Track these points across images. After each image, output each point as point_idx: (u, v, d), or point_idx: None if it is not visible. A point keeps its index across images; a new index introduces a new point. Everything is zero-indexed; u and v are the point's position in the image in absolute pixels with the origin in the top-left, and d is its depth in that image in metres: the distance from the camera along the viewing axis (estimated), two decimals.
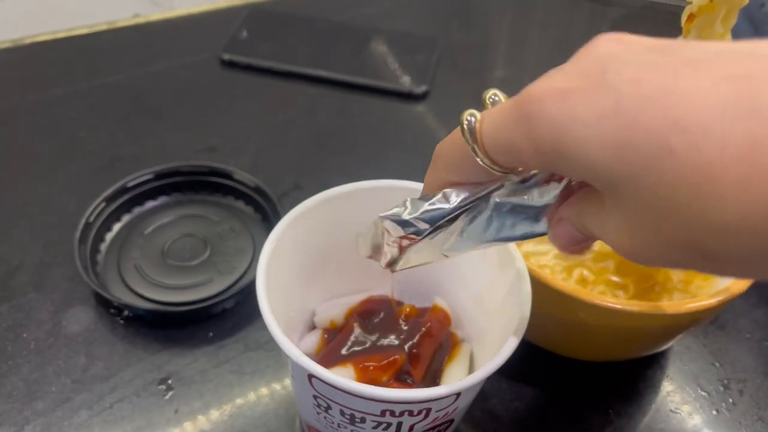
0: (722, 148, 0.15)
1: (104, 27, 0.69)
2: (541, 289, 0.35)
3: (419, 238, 0.26)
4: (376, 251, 0.28)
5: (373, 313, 0.37)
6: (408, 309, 0.37)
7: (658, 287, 0.40)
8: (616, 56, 0.18)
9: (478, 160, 0.22)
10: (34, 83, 0.62)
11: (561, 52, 0.85)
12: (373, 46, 0.69)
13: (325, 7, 0.76)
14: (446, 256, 0.27)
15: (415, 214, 0.25)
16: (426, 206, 0.25)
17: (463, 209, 0.25)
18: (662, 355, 0.44)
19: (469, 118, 0.22)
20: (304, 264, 0.36)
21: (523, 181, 0.23)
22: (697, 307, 0.34)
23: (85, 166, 0.54)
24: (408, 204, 0.25)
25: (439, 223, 0.25)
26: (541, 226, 0.24)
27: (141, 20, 0.70)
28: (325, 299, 0.39)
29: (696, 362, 0.43)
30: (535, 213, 0.24)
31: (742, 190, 0.15)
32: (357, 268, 0.38)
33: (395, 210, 0.25)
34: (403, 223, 0.25)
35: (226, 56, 0.65)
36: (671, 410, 0.41)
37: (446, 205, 0.25)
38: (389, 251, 0.27)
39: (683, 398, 0.41)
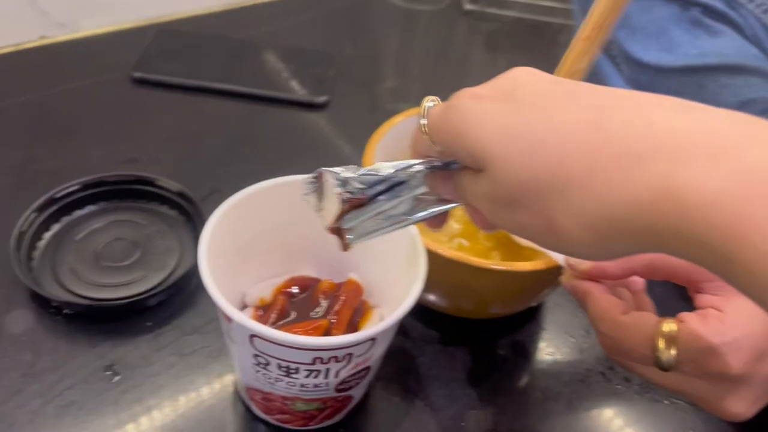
0: (578, 148, 0.22)
1: (11, 49, 0.71)
2: (435, 258, 0.43)
3: (354, 198, 0.30)
4: (319, 205, 0.32)
5: (299, 290, 0.44)
6: (327, 284, 0.44)
7: (524, 252, 0.49)
8: (524, 82, 0.25)
9: (423, 134, 0.29)
10: None
11: (443, 62, 0.95)
12: (275, 61, 0.75)
13: (226, 26, 0.81)
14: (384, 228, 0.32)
15: (352, 175, 0.30)
16: (362, 170, 0.30)
17: (391, 182, 0.30)
18: (537, 310, 0.53)
19: (429, 103, 0.29)
20: (235, 251, 0.42)
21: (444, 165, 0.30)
22: (546, 265, 0.42)
23: (7, 181, 0.57)
24: (350, 167, 0.30)
25: (373, 188, 0.30)
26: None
27: (47, 42, 0.73)
28: (254, 282, 0.45)
29: (564, 314, 0.53)
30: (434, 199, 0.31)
31: (583, 181, 0.22)
32: (281, 253, 0.45)
33: (337, 168, 0.30)
34: (342, 181, 0.30)
35: (137, 74, 0.69)
36: (547, 354, 0.50)
37: (379, 173, 0.30)
38: (330, 207, 0.31)
39: (554, 344, 0.51)
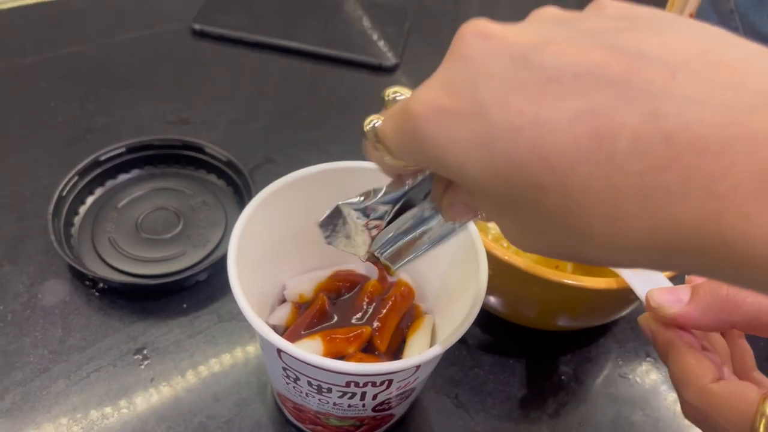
0: (585, 189, 0.16)
1: None
2: (499, 265, 0.37)
3: (384, 223, 0.27)
4: (348, 243, 0.29)
5: (342, 289, 0.39)
6: (374, 284, 0.39)
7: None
8: (482, 66, 0.18)
9: (386, 159, 0.23)
10: (1, 52, 0.62)
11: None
12: (344, 17, 0.69)
13: None
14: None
15: (374, 200, 0.26)
16: (383, 191, 0.26)
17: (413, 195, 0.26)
18: (614, 324, 0.46)
19: (372, 124, 0.22)
20: (275, 241, 0.37)
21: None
22: (622, 285, 0.36)
23: (56, 137, 0.54)
24: (369, 193, 0.27)
25: (397, 205, 0.26)
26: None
27: None
28: (295, 274, 0.40)
29: None
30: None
31: (606, 226, 0.16)
32: (324, 244, 0.40)
33: (354, 199, 0.27)
34: (364, 210, 0.27)
35: (197, 26, 0.65)
36: (620, 375, 0.44)
37: (401, 189, 0.26)
38: (361, 239, 0.28)
39: (632, 364, 0.44)
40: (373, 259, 0.29)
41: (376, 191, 0.27)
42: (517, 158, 0.17)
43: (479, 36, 0.19)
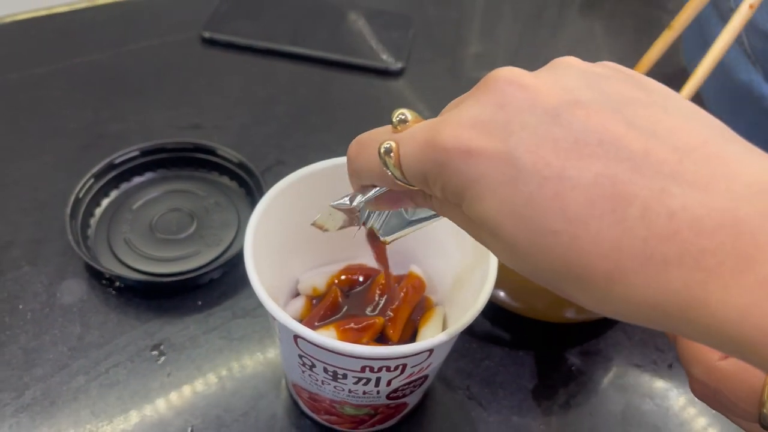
0: (595, 243, 0.18)
1: (84, 4, 0.69)
2: None
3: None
4: (345, 223, 0.31)
5: (354, 281, 0.40)
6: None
7: None
8: (517, 115, 0.20)
9: (398, 182, 0.24)
10: (15, 62, 0.63)
11: (533, 25, 0.87)
12: (350, 24, 0.71)
13: None
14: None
15: (362, 201, 0.28)
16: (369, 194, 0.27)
17: None
18: None
19: (386, 146, 0.24)
20: (288, 236, 0.38)
21: None
22: None
23: (70, 144, 0.56)
24: (355, 195, 0.28)
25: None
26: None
27: None
28: (308, 268, 0.41)
29: None
30: None
31: (606, 279, 0.18)
32: (336, 238, 0.41)
33: (343, 199, 0.28)
34: (352, 212, 0.28)
35: (207, 34, 0.66)
36: (629, 366, 0.44)
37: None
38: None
39: (640, 355, 0.45)
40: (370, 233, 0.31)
41: (356, 194, 0.28)
42: (537, 202, 0.19)
43: (514, 85, 0.21)
